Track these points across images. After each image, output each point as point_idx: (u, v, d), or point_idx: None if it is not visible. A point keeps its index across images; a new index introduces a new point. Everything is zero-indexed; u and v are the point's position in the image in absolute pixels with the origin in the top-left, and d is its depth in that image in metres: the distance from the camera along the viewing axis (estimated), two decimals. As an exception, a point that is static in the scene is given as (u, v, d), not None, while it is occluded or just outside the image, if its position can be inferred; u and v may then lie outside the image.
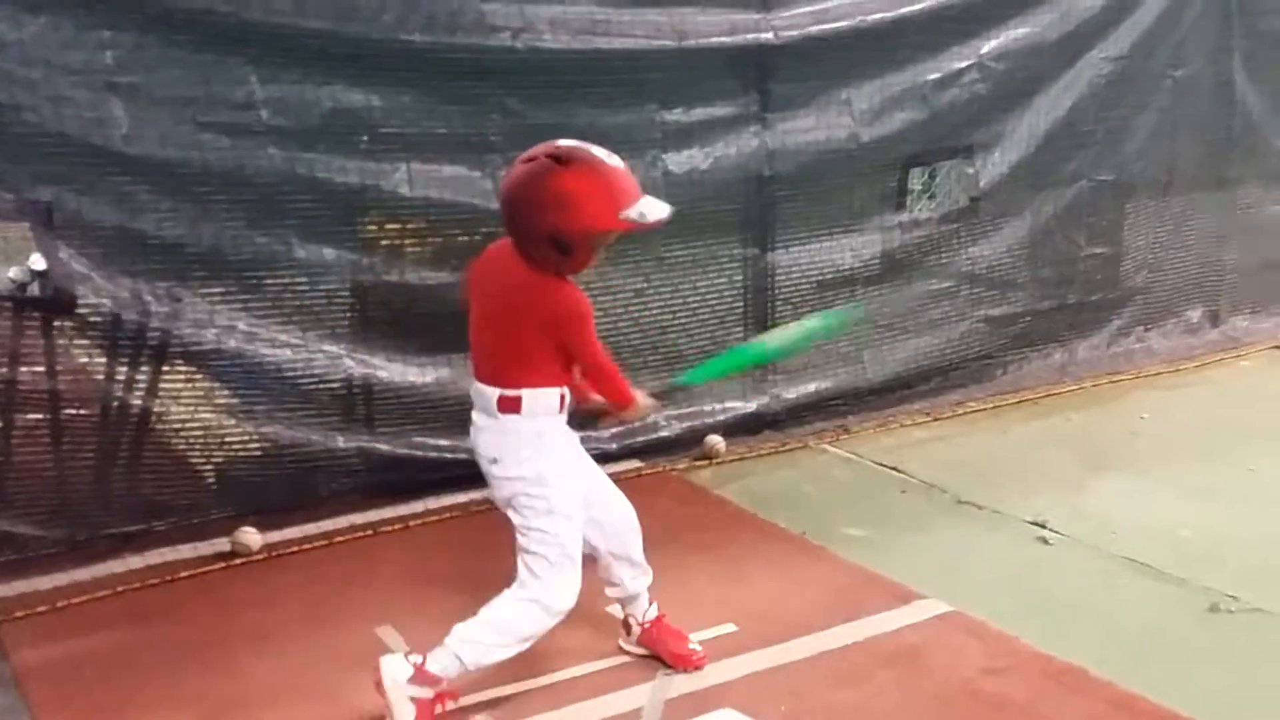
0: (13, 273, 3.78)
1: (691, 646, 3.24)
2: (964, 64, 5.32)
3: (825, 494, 4.57)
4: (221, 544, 3.94)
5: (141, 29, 3.72)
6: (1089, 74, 5.66)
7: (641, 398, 3.02)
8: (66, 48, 3.62)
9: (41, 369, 3.74)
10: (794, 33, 4.87)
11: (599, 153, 2.81)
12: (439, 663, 2.87)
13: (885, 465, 4.82)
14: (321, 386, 4.23)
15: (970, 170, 5.51)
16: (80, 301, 3.76)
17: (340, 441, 4.24)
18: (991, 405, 5.56)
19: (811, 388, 5.22)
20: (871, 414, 5.32)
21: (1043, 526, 4.15)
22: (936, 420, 5.37)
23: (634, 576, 3.21)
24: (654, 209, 2.82)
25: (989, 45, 5.37)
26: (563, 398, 2.93)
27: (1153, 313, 6.24)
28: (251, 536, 3.94)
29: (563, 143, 2.81)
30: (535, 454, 2.89)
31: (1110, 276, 6.05)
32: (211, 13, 3.77)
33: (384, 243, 4.32)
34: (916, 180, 5.63)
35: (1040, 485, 4.55)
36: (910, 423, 5.32)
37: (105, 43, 3.68)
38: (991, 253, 5.66)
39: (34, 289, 3.76)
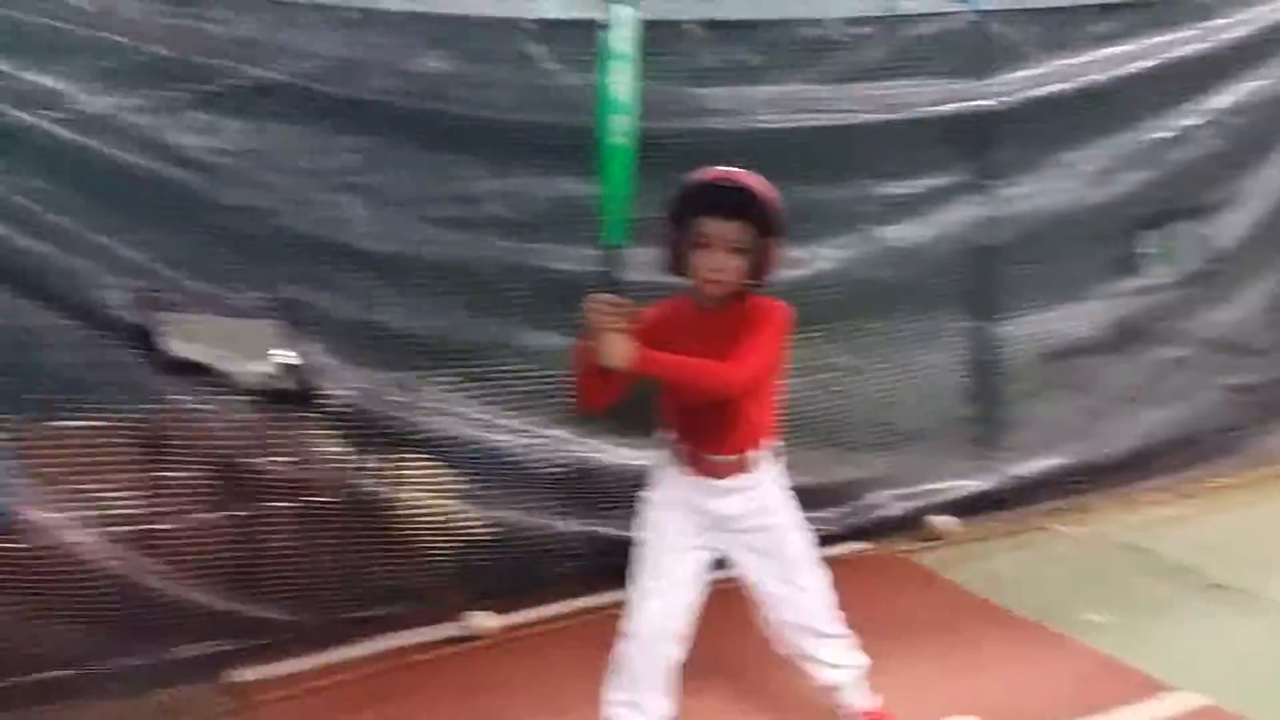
0: (262, 367, 4.00)
1: None
2: (1197, 120, 5.09)
3: (1062, 577, 4.36)
4: (454, 627, 4.01)
5: (378, 132, 3.89)
6: (1336, 125, 5.32)
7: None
8: (313, 153, 3.83)
9: (288, 458, 3.92)
10: (1014, 97, 4.76)
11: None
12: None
13: (1126, 546, 4.57)
14: (546, 471, 4.29)
15: (1207, 231, 5.25)
16: (323, 393, 3.93)
17: (565, 525, 4.29)
18: (1242, 480, 5.20)
19: (1043, 464, 5.01)
20: (1108, 491, 5.05)
21: (1306, 613, 3.87)
22: (1181, 497, 5.06)
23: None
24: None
25: (1223, 100, 5.13)
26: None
27: None
28: (484, 620, 4.01)
29: None
30: None
31: (1371, 340, 5.63)
32: (443, 114, 3.93)
33: (604, 328, 4.37)
34: (1149, 243, 5.39)
35: (1301, 568, 4.23)
36: (1151, 500, 5.03)
37: (346, 146, 3.88)
38: (1234, 317, 5.36)
39: (281, 382, 3.96)
